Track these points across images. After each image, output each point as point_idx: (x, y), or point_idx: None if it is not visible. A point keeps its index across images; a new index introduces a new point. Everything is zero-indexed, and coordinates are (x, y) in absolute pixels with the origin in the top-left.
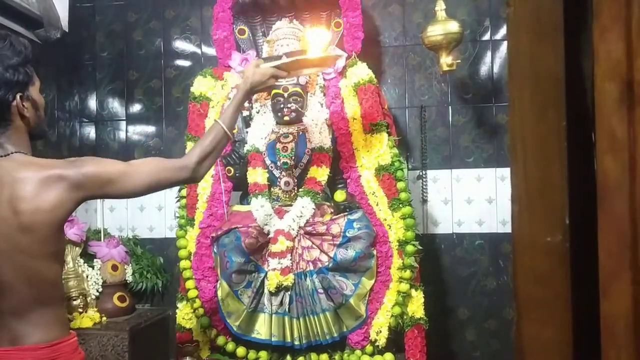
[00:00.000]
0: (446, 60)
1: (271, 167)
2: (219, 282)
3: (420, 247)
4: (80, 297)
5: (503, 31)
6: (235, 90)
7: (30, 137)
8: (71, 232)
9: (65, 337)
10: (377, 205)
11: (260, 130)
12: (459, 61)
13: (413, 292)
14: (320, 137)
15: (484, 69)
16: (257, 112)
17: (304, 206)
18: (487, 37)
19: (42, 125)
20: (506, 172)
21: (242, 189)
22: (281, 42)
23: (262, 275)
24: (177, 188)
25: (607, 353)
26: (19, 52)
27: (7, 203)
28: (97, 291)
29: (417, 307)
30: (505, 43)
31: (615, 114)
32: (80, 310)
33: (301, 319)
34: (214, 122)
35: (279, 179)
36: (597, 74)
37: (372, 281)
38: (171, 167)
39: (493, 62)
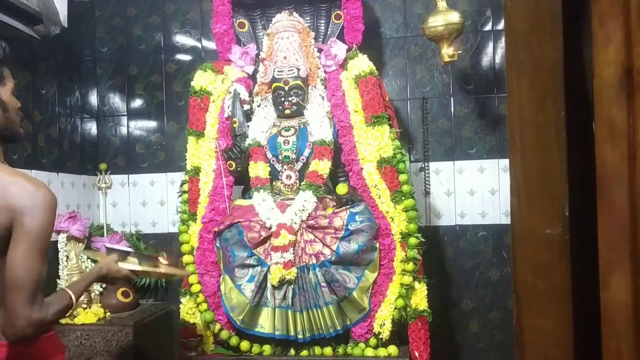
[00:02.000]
0: (447, 51)
1: (273, 160)
2: (222, 276)
3: (423, 240)
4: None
5: None
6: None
7: (2, 140)
8: (74, 228)
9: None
10: (379, 197)
11: (262, 124)
12: (461, 52)
13: (416, 284)
14: (322, 130)
15: (485, 60)
16: (258, 106)
17: (306, 200)
18: (488, 27)
19: (12, 127)
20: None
21: (244, 183)
22: (281, 34)
23: (265, 269)
24: (179, 182)
25: (607, 343)
26: None
27: None
28: (101, 287)
29: (420, 299)
30: None
31: (615, 102)
32: (84, 306)
33: (304, 313)
34: (61, 290)
35: (280, 173)
36: (596, 61)
37: (375, 274)
38: (32, 297)
39: (495, 53)
